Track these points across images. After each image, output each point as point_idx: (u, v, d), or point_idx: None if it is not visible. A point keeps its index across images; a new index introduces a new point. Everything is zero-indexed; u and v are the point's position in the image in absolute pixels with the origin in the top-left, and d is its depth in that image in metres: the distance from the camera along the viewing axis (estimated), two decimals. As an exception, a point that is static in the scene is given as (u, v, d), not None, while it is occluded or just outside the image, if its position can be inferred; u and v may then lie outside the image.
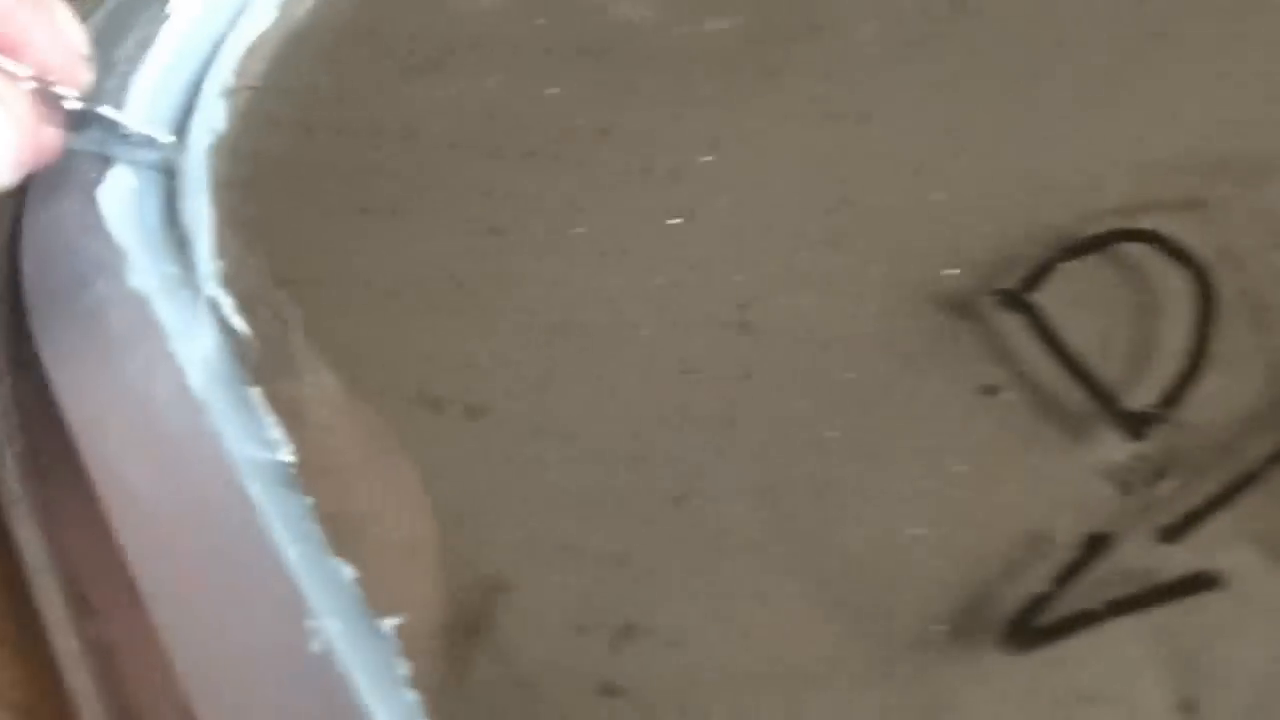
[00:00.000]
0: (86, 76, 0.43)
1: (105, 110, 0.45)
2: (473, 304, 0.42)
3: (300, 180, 0.48)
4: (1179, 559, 0.33)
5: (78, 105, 0.43)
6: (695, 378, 0.38)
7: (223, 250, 0.46)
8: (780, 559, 0.36)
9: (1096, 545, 0.33)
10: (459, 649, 0.36)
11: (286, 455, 0.40)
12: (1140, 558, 0.33)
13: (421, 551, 0.38)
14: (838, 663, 0.34)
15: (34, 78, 0.40)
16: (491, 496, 0.39)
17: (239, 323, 0.43)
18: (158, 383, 0.41)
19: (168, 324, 0.42)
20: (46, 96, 0.41)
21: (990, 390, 0.36)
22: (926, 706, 0.33)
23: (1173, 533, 0.33)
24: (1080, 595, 0.33)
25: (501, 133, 0.45)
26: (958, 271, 0.38)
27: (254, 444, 0.40)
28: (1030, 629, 0.32)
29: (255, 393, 0.41)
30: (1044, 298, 0.36)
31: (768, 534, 0.36)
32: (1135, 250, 0.37)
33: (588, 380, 0.40)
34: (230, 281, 0.44)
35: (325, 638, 0.35)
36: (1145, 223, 0.37)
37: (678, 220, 0.41)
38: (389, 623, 0.36)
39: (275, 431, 0.40)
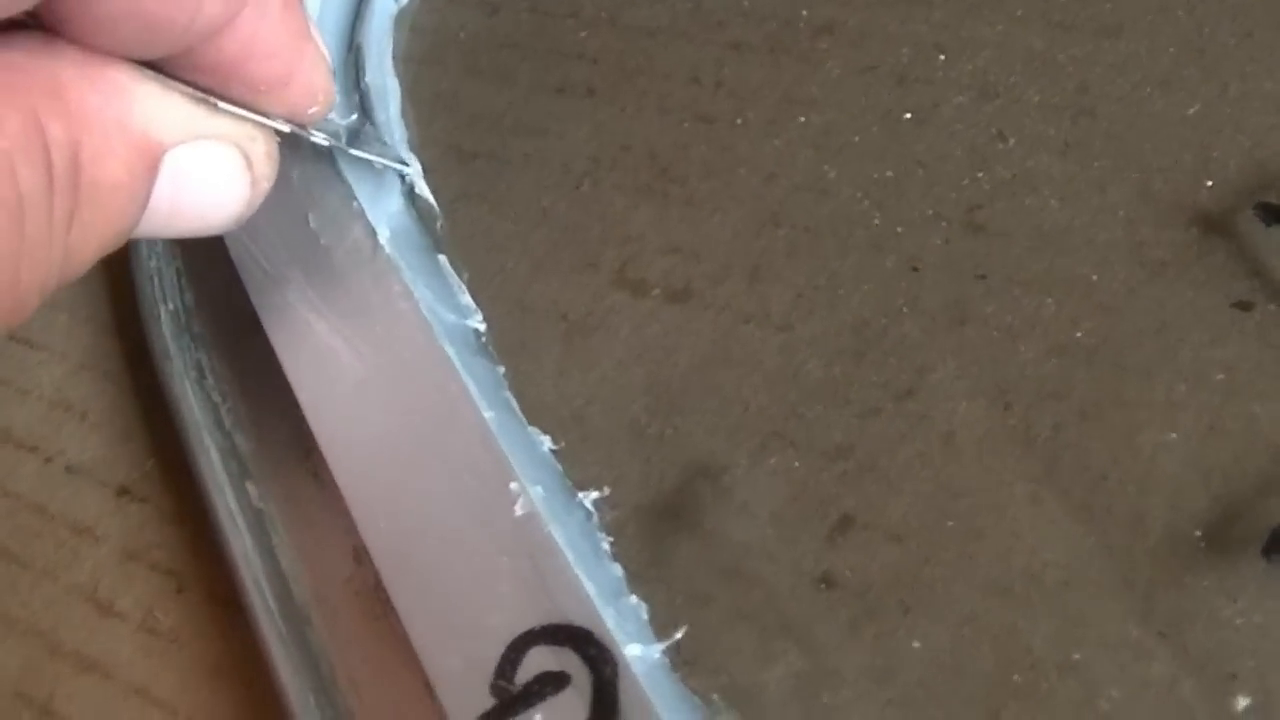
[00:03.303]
0: (335, 100, 0.39)
1: (358, 152, 0.43)
2: (679, 190, 0.43)
3: (485, 58, 0.48)
4: None
5: (328, 144, 0.41)
6: (923, 274, 0.39)
7: (404, 120, 0.46)
8: (1014, 461, 0.36)
9: (1368, 462, 0.33)
10: (663, 531, 0.37)
11: (477, 323, 0.40)
12: None
13: (619, 430, 0.39)
14: (1076, 566, 0.34)
15: (287, 118, 0.38)
16: (697, 381, 0.39)
17: (424, 187, 0.43)
18: (345, 237, 0.41)
19: (354, 181, 0.42)
20: (296, 138, 0.38)
21: (1245, 305, 0.36)
22: (1172, 614, 0.33)
23: None
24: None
25: (711, 24, 0.46)
26: (1210, 184, 0.38)
27: (445, 308, 0.40)
28: (1298, 540, 0.32)
29: (443, 259, 0.41)
30: (1310, 218, 0.36)
31: (1000, 435, 0.36)
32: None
33: (804, 271, 0.40)
34: (413, 150, 0.44)
35: (529, 501, 0.35)
36: None
37: (909, 116, 0.41)
38: (590, 496, 0.37)
39: (465, 298, 0.40)
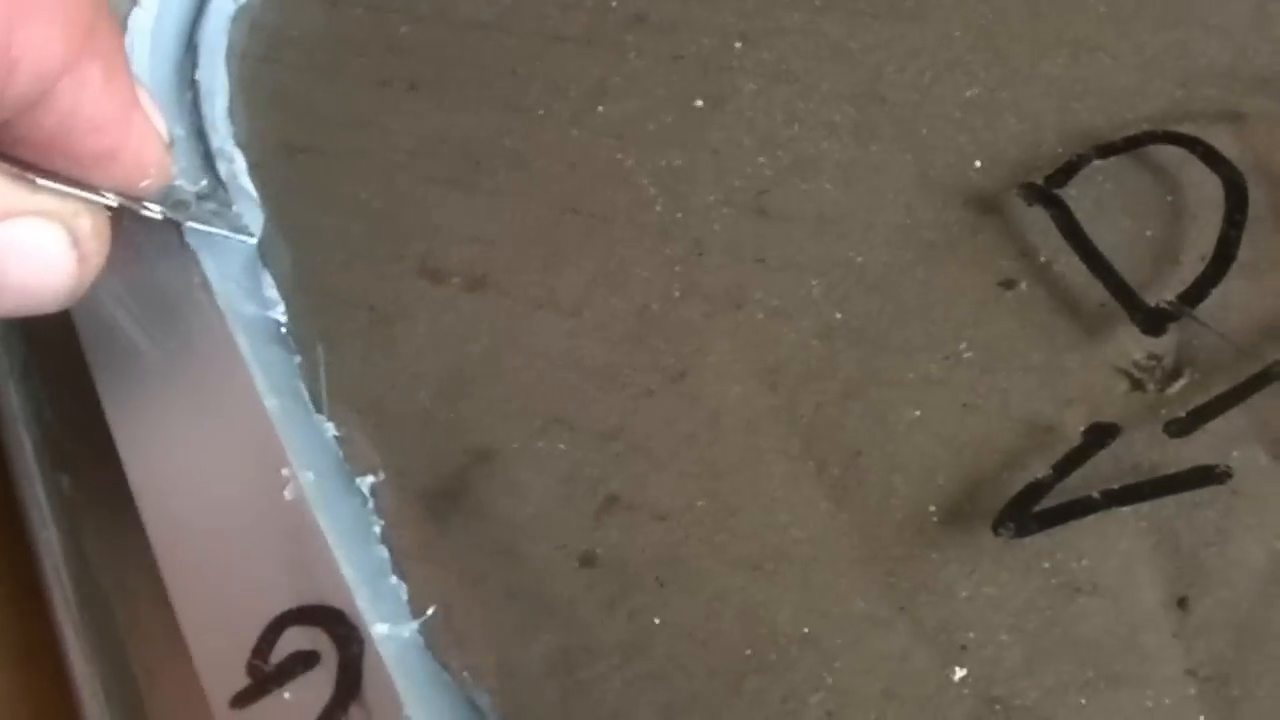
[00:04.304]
0: (171, 172, 0.39)
1: (196, 225, 0.43)
2: (487, 180, 0.44)
3: (321, 54, 0.50)
4: (1185, 456, 0.33)
5: (162, 217, 0.40)
6: (707, 259, 0.40)
7: (234, 117, 0.47)
8: (776, 440, 0.37)
9: (1099, 435, 0.34)
10: (441, 513, 0.38)
11: (279, 314, 0.41)
12: (1146, 453, 0.34)
13: (410, 416, 0.40)
14: (825, 542, 0.35)
15: (116, 192, 0.37)
16: (487, 368, 0.40)
17: (247, 183, 0.44)
18: (154, 233, 0.42)
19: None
20: (128, 211, 0.38)
21: (1009, 284, 0.37)
22: (911, 588, 0.34)
23: (1180, 428, 0.33)
24: (1083, 486, 0.34)
25: (533, 17, 0.47)
26: (982, 166, 0.39)
27: (247, 300, 0.41)
28: (1025, 514, 0.33)
29: (254, 253, 0.43)
30: (1073, 197, 0.37)
31: (765, 415, 0.37)
32: (1168, 155, 0.38)
33: (596, 257, 0.41)
34: (240, 146, 0.46)
35: (298, 486, 0.37)
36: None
37: (700, 104, 0.42)
38: (366, 481, 0.38)
39: (271, 290, 0.42)
